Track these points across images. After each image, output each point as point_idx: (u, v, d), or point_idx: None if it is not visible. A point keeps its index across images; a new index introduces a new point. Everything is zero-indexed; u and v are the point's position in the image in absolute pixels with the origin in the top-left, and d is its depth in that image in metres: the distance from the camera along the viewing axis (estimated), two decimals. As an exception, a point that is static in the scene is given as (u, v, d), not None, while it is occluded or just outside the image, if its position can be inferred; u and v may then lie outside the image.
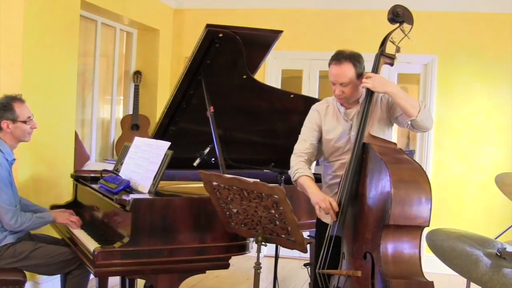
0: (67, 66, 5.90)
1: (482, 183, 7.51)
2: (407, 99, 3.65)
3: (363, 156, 3.58)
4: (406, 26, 3.78)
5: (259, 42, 4.96)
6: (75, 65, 6.06)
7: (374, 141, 3.61)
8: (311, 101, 5.16)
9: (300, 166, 3.96)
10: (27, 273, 4.40)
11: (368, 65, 3.83)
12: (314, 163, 4.32)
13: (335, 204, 3.58)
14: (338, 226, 3.58)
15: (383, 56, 3.79)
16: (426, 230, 3.50)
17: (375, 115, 3.90)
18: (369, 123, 3.82)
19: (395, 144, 3.67)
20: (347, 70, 3.79)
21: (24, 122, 4.39)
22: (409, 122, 3.67)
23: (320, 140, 4.07)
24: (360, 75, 3.80)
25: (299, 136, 4.12)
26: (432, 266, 4.39)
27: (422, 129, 3.75)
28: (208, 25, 4.45)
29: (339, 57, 3.83)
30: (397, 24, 3.80)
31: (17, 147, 4.51)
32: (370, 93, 3.71)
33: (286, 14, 7.97)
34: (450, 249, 3.29)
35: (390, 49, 3.78)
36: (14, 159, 4.46)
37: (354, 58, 3.82)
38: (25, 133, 4.43)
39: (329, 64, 3.88)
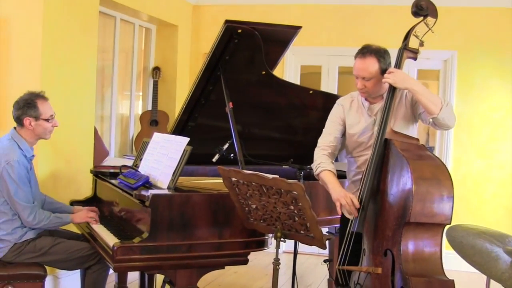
0: (86, 62, 5.92)
1: (501, 180, 7.47)
2: (429, 96, 3.61)
3: (384, 152, 3.55)
4: (430, 19, 3.74)
5: (277, 38, 4.95)
6: (94, 61, 6.08)
7: (396, 137, 3.59)
8: (330, 97, 5.16)
9: (322, 160, 3.96)
10: (47, 267, 4.43)
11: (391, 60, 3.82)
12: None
13: (356, 201, 3.57)
14: (359, 223, 3.57)
15: (407, 50, 3.76)
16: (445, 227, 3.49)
17: (399, 111, 3.88)
18: (393, 119, 3.81)
19: (417, 140, 3.64)
20: (371, 65, 3.79)
21: (47, 120, 4.40)
22: (431, 120, 3.63)
23: (344, 134, 4.06)
24: (384, 71, 3.76)
25: (323, 129, 4.12)
26: (451, 263, 4.37)
27: (444, 127, 3.71)
28: (227, 21, 4.45)
29: (364, 51, 3.82)
30: (421, 18, 3.76)
31: (36, 144, 4.53)
32: (392, 88, 3.68)
33: (305, 10, 7.96)
34: (469, 246, 3.28)
35: (413, 43, 3.76)
36: (33, 156, 4.48)
37: (379, 53, 3.80)
38: (46, 131, 4.44)
39: (355, 57, 3.88)
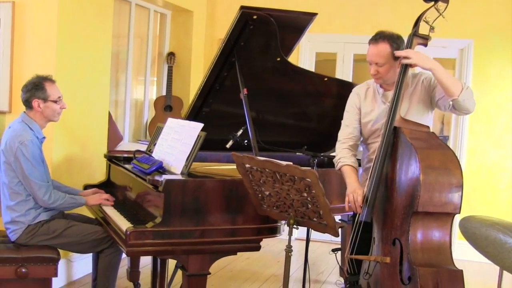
0: (101, 47, 5.93)
1: (516, 171, 7.44)
2: (450, 78, 3.60)
3: (394, 140, 3.54)
4: (441, 4, 3.69)
5: (293, 24, 4.94)
6: (109, 46, 6.09)
7: (405, 124, 3.56)
8: (345, 84, 5.15)
9: (343, 155, 3.99)
10: (60, 251, 4.46)
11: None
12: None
13: (360, 200, 3.60)
14: (367, 212, 3.57)
15: (416, 37, 3.73)
16: (458, 217, 3.47)
17: (414, 98, 3.87)
18: (407, 106, 3.81)
19: (428, 127, 3.61)
20: (383, 50, 3.78)
21: (55, 102, 4.44)
22: (451, 102, 3.60)
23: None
24: (397, 57, 3.76)
25: (342, 121, 4.13)
26: (464, 253, 4.38)
27: (464, 111, 3.67)
28: (242, 7, 4.44)
29: (377, 37, 3.82)
30: (432, 3, 3.71)
31: (46, 127, 4.56)
32: (402, 73, 3.66)
33: (321, -4, 7.93)
34: (483, 237, 3.26)
35: (424, 29, 3.72)
36: (44, 137, 4.51)
37: (392, 39, 3.79)
38: (54, 113, 4.48)
39: (368, 44, 3.87)
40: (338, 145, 4.08)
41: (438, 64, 3.65)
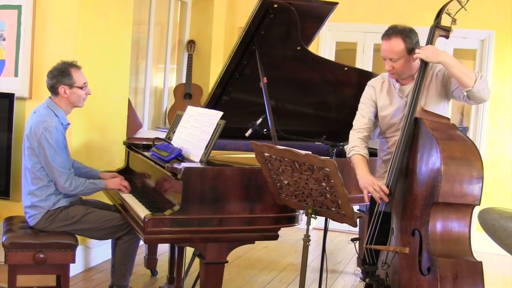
0: (121, 34, 5.93)
1: (536, 162, 7.38)
2: (462, 69, 3.58)
3: (414, 131, 3.53)
4: None
5: (313, 13, 4.92)
6: (130, 34, 6.09)
7: (426, 116, 3.56)
8: (364, 74, 5.13)
9: (356, 144, 3.98)
10: (78, 237, 4.47)
11: (423, 39, 3.77)
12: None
13: (384, 188, 3.57)
14: (388, 203, 3.55)
15: (438, 29, 3.72)
16: (477, 209, 3.45)
17: (430, 90, 3.86)
18: (424, 99, 3.80)
19: (448, 119, 3.60)
20: (396, 45, 3.77)
21: (80, 88, 4.45)
22: (465, 93, 3.60)
23: (376, 116, 4.05)
24: (411, 50, 3.76)
25: (357, 112, 4.12)
26: (482, 245, 4.35)
27: (479, 100, 3.67)
28: (263, -5, 4.43)
29: (389, 32, 3.82)
30: None
31: (70, 113, 4.57)
32: (423, 66, 3.66)
33: (342, -14, 7.89)
34: (502, 229, 3.25)
35: (445, 21, 3.71)
36: (69, 124, 4.52)
37: (405, 33, 3.78)
38: (80, 99, 4.49)
39: (381, 39, 3.85)
40: (352, 133, 4.08)
41: (449, 56, 3.66)
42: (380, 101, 4.04)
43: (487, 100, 3.72)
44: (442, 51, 3.68)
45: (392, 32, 3.80)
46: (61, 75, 4.39)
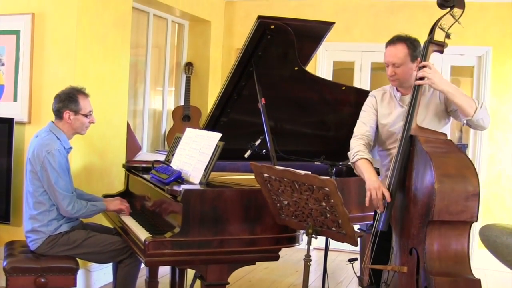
0: (119, 57, 5.96)
1: (536, 178, 7.38)
2: (463, 98, 3.59)
3: (410, 149, 3.53)
4: (456, 10, 3.67)
5: (310, 33, 4.94)
6: (128, 57, 6.12)
7: (421, 133, 3.56)
8: (363, 93, 5.11)
9: (360, 149, 3.94)
10: (79, 261, 4.47)
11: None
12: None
13: (388, 195, 3.53)
14: (384, 221, 3.54)
15: (432, 44, 3.71)
16: (478, 225, 3.45)
17: (431, 106, 3.87)
18: (424, 114, 3.80)
19: (445, 135, 3.60)
20: (400, 51, 3.80)
21: (85, 115, 4.49)
22: (465, 121, 3.63)
23: (377, 125, 4.04)
24: (414, 59, 3.78)
25: (358, 120, 4.11)
26: (484, 262, 4.34)
27: (479, 128, 3.71)
28: (259, 17, 4.45)
29: (394, 39, 3.86)
30: (447, 9, 3.69)
31: (72, 138, 4.58)
32: (416, 92, 3.65)
33: (338, 5, 7.93)
34: (504, 246, 3.24)
35: (440, 36, 3.71)
36: (71, 147, 4.55)
37: (409, 41, 3.82)
38: (83, 126, 4.53)
39: (385, 46, 3.89)
40: (353, 140, 4.04)
41: (452, 85, 3.67)
42: (381, 109, 4.04)
43: (487, 127, 3.73)
44: (445, 79, 3.69)
45: (397, 38, 3.85)
46: (68, 100, 4.43)
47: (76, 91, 4.49)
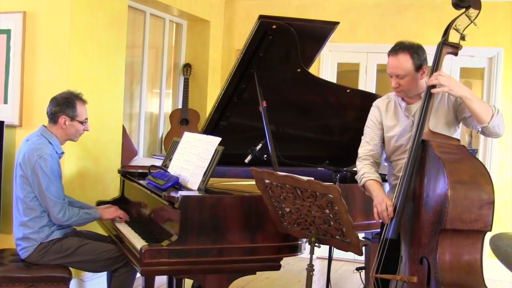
0: (115, 58, 5.96)
1: (548, 185, 7.37)
2: (481, 105, 3.55)
3: (422, 154, 3.50)
4: (472, 11, 3.66)
5: (314, 34, 4.94)
6: (123, 57, 6.12)
7: (434, 137, 3.53)
8: (368, 96, 5.14)
9: (366, 170, 3.94)
10: (72, 270, 4.47)
11: (430, 58, 3.77)
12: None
13: (390, 210, 3.53)
14: (393, 229, 3.52)
15: (446, 46, 3.68)
16: (489, 234, 3.44)
17: (440, 112, 3.83)
18: (433, 121, 3.75)
19: (458, 140, 3.58)
20: (404, 62, 3.74)
21: (81, 122, 4.50)
22: (480, 128, 3.59)
23: (383, 139, 4.03)
24: (419, 68, 3.74)
25: (362, 137, 4.10)
26: (494, 272, 4.33)
27: (493, 136, 3.65)
28: (261, 16, 4.45)
29: (396, 48, 3.79)
30: (463, 10, 3.67)
31: (63, 144, 4.58)
32: (428, 98, 3.62)
33: (343, 5, 7.93)
34: (515, 255, 3.23)
35: (454, 37, 3.69)
36: (63, 152, 4.55)
37: (412, 49, 3.76)
38: (77, 133, 4.55)
39: (388, 56, 3.84)
40: (358, 162, 4.04)
41: (470, 90, 3.60)
42: (386, 121, 4.01)
43: (502, 135, 3.68)
44: (461, 84, 3.65)
45: (399, 48, 3.78)
46: (66, 105, 4.43)
47: (74, 96, 4.49)
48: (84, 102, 4.54)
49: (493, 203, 3.27)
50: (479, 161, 3.46)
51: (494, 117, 3.52)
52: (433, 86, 3.58)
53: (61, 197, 4.38)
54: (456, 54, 3.74)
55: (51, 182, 4.29)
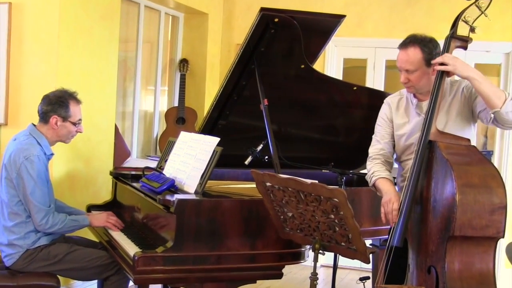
0: (107, 53, 5.96)
1: None
2: (492, 87, 3.52)
3: (429, 156, 3.48)
4: (482, 1, 3.61)
5: (318, 28, 4.94)
6: (116, 52, 6.12)
7: (442, 138, 3.50)
8: (376, 94, 5.14)
9: (376, 169, 3.93)
10: (60, 278, 4.46)
11: (441, 53, 3.76)
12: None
13: (395, 214, 3.52)
14: (399, 236, 3.49)
15: (454, 39, 3.66)
16: (504, 242, 3.43)
17: (453, 109, 3.81)
18: (445, 119, 3.75)
19: (468, 140, 3.53)
20: (413, 56, 3.74)
21: (74, 124, 4.48)
22: (492, 115, 3.54)
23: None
24: (430, 61, 3.71)
25: (373, 136, 4.10)
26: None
27: (507, 124, 3.58)
28: (262, 9, 4.45)
29: (406, 41, 3.78)
30: (472, 0, 3.65)
31: (54, 145, 4.58)
32: (439, 79, 3.60)
33: (349, -3, 7.94)
34: (533, 265, 3.22)
35: (463, 30, 3.66)
36: (52, 154, 4.54)
37: (423, 43, 3.74)
38: (69, 135, 4.53)
39: (398, 49, 3.84)
40: (369, 162, 4.04)
41: (478, 72, 3.57)
42: (396, 119, 4.01)
43: None
44: (470, 66, 3.64)
45: (410, 41, 3.77)
46: (58, 104, 4.41)
47: (68, 95, 4.47)
48: (78, 102, 4.51)
49: (505, 207, 3.24)
50: (490, 162, 3.44)
51: (508, 102, 3.48)
52: (442, 76, 3.58)
53: (46, 203, 4.34)
54: (465, 48, 3.72)
55: (36, 186, 4.27)
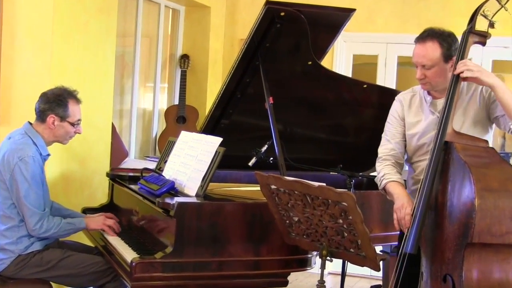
0: (103, 48, 5.96)
1: None
2: None
3: (445, 157, 3.45)
4: None
5: (327, 22, 4.95)
6: (113, 47, 6.12)
7: (458, 139, 3.46)
8: (387, 92, 5.14)
9: (386, 171, 3.91)
10: (54, 285, 4.47)
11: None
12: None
13: (408, 219, 3.51)
14: (413, 242, 3.46)
15: (472, 34, 3.63)
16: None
17: (470, 110, 3.79)
18: (461, 120, 3.74)
19: (486, 141, 3.50)
20: (431, 51, 3.71)
21: (72, 124, 4.48)
22: (511, 126, 3.58)
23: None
24: (448, 58, 3.70)
25: (383, 135, 4.08)
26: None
27: None
28: (267, 2, 4.46)
29: (424, 35, 3.76)
30: None
31: (50, 145, 4.57)
32: (455, 80, 3.57)
33: (359, -10, 7.94)
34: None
35: (482, 25, 3.63)
36: (49, 154, 4.54)
37: (442, 37, 3.72)
38: (66, 136, 4.53)
39: (414, 43, 3.82)
40: (378, 163, 4.02)
41: (501, 81, 3.55)
42: (408, 117, 3.99)
43: None
44: (491, 73, 3.60)
45: (428, 34, 3.74)
46: (56, 103, 4.40)
47: (67, 94, 4.47)
48: (78, 101, 4.51)
49: (527, 212, 3.23)
50: (510, 165, 3.40)
51: None
52: (458, 78, 3.54)
53: (41, 206, 4.34)
54: (484, 43, 3.70)
55: (30, 188, 4.27)
